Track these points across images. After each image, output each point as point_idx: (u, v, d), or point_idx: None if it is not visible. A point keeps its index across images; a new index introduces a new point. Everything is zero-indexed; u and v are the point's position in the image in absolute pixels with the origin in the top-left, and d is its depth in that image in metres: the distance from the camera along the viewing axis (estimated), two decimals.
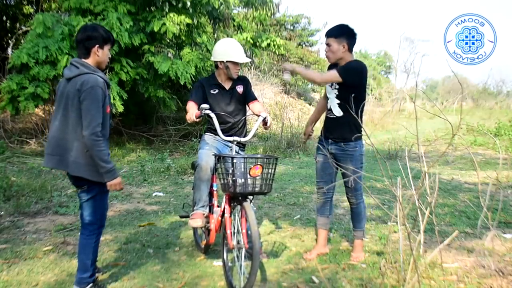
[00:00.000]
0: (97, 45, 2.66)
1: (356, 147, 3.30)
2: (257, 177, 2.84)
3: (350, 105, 2.96)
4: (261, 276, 3.11)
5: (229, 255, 3.03)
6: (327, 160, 3.32)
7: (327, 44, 3.25)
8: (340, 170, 3.29)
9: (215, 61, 3.44)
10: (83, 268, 2.74)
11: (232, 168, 2.85)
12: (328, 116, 3.40)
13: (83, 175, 2.62)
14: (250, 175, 2.81)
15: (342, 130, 3.28)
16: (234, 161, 2.84)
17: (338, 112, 3.30)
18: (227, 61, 3.36)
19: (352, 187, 3.36)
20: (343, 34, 3.21)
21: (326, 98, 3.48)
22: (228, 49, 3.37)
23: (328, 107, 3.40)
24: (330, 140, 3.37)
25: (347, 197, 3.50)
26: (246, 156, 2.92)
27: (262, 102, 3.23)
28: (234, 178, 2.85)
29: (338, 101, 3.28)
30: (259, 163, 2.83)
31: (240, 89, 3.51)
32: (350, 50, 3.26)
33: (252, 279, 2.63)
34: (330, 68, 3.42)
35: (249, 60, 3.44)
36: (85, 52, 2.66)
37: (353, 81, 3.19)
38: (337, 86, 3.28)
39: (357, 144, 3.30)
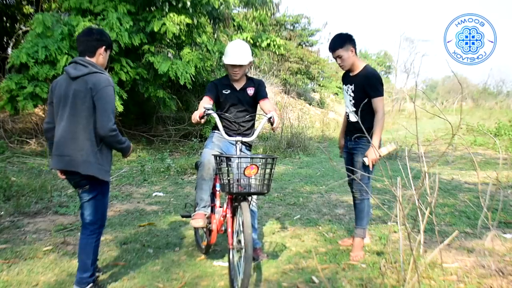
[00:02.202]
0: (104, 46, 2.74)
1: (369, 143, 3.37)
2: (252, 177, 2.84)
3: (365, 112, 3.21)
4: (261, 276, 3.11)
5: (235, 255, 3.01)
6: (349, 157, 3.60)
7: (338, 57, 3.43)
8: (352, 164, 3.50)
9: None
10: (83, 268, 2.74)
11: (227, 168, 2.85)
12: (347, 119, 3.64)
13: (94, 173, 2.63)
14: (244, 175, 2.82)
15: (359, 131, 3.32)
16: (230, 161, 2.85)
17: (353, 118, 3.46)
18: (225, 64, 3.40)
19: (359, 179, 3.42)
20: (346, 41, 3.41)
21: None
22: (227, 51, 3.39)
23: (346, 114, 3.62)
24: (349, 137, 3.57)
25: (352, 192, 3.60)
26: (240, 156, 2.92)
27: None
28: (228, 178, 2.86)
29: (355, 109, 3.43)
30: (253, 163, 2.83)
31: (250, 91, 3.49)
32: (356, 52, 3.47)
33: (245, 280, 2.62)
34: (345, 75, 3.60)
35: (244, 62, 3.35)
36: (92, 50, 2.70)
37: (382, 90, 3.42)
38: (352, 95, 3.46)
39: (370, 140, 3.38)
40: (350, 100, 3.49)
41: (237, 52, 3.37)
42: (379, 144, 3.36)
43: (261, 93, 3.52)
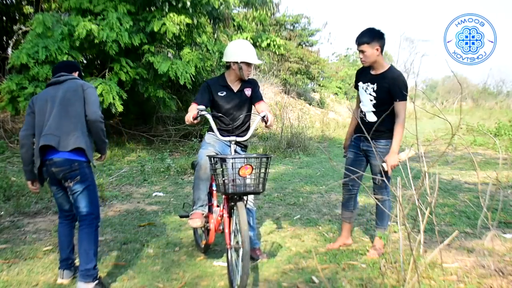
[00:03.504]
0: (78, 72, 3.10)
1: (387, 145, 3.34)
2: (247, 177, 2.83)
3: (386, 114, 3.10)
4: (261, 276, 3.11)
5: (233, 255, 3.02)
6: (357, 157, 3.51)
7: (361, 51, 3.32)
8: (370, 168, 3.45)
9: (227, 62, 3.39)
10: (86, 260, 2.75)
11: (222, 169, 2.85)
12: (362, 118, 3.48)
13: (82, 146, 2.75)
14: (239, 175, 2.81)
15: (377, 132, 3.27)
16: (224, 161, 2.85)
17: (372, 118, 3.40)
18: (241, 62, 3.31)
19: (379, 183, 3.42)
20: (374, 38, 3.29)
21: (359, 105, 3.56)
22: (242, 50, 3.32)
23: (362, 113, 3.48)
24: (362, 137, 3.43)
25: (374, 194, 3.55)
26: (234, 156, 2.92)
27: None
28: (223, 179, 2.86)
29: (375, 109, 3.37)
30: (248, 163, 2.83)
31: (248, 91, 3.46)
32: (382, 51, 3.34)
33: (244, 277, 2.63)
34: (363, 72, 3.48)
35: (261, 62, 3.45)
36: (69, 72, 3.01)
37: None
38: (374, 94, 3.36)
39: (388, 142, 3.35)
40: (371, 100, 3.38)
41: (251, 50, 3.35)
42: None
43: (257, 95, 3.49)
